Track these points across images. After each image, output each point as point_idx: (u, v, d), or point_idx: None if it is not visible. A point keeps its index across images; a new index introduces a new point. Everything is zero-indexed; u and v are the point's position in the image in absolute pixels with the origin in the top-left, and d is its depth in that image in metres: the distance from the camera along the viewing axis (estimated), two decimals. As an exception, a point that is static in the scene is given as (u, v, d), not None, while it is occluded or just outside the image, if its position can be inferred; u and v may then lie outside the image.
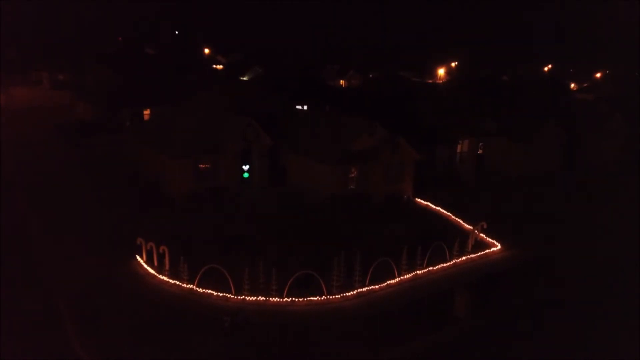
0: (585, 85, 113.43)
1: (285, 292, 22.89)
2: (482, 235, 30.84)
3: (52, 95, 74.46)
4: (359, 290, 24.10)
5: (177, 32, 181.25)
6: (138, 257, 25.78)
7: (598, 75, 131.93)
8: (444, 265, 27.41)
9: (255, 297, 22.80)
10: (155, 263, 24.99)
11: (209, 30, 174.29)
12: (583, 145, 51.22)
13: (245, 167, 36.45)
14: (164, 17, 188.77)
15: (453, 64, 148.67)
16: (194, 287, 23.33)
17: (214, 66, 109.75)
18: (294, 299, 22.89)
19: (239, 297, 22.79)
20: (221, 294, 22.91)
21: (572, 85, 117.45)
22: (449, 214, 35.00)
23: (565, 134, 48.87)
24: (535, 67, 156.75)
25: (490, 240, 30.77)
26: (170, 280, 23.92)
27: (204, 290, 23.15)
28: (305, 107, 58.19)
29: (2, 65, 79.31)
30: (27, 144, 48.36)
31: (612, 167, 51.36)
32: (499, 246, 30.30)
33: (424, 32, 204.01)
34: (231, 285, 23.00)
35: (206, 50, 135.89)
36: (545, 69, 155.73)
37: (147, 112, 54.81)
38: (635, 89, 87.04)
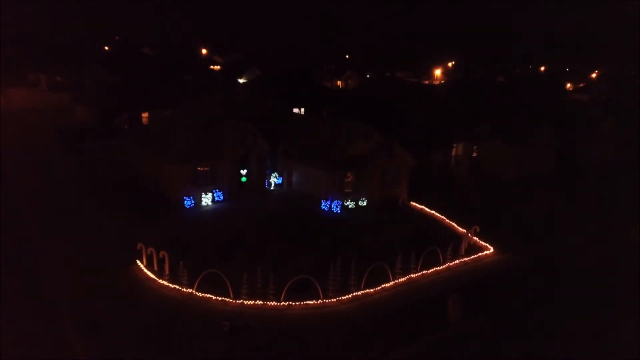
0: (582, 85, 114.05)
1: (282, 296, 23.49)
2: (475, 238, 31.46)
3: (50, 97, 74.54)
4: (354, 293, 24.71)
5: (174, 32, 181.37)
6: (138, 262, 26.32)
7: (594, 75, 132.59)
8: (438, 268, 28.02)
9: (253, 301, 23.38)
10: (155, 267, 25.54)
11: (206, 30, 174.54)
12: (577, 148, 51.84)
13: (244, 172, 36.99)
14: (161, 17, 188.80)
15: (450, 64, 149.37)
16: (194, 291, 23.91)
17: (211, 67, 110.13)
18: (291, 302, 23.49)
19: (237, 301, 23.38)
20: (220, 298, 23.50)
21: (568, 85, 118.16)
22: (443, 217, 35.62)
23: (560, 136, 49.49)
24: (532, 67, 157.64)
25: (484, 243, 31.40)
26: (170, 285, 24.48)
27: (203, 294, 23.72)
28: (302, 110, 58.80)
29: (0, 66, 79.43)
30: (26, 147, 48.71)
31: (605, 169, 51.98)
32: (492, 249, 30.94)
33: (421, 32, 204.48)
34: (230, 289, 23.58)
35: (203, 51, 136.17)
36: (542, 68, 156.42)
37: (145, 115, 55.26)
38: (631, 89, 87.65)
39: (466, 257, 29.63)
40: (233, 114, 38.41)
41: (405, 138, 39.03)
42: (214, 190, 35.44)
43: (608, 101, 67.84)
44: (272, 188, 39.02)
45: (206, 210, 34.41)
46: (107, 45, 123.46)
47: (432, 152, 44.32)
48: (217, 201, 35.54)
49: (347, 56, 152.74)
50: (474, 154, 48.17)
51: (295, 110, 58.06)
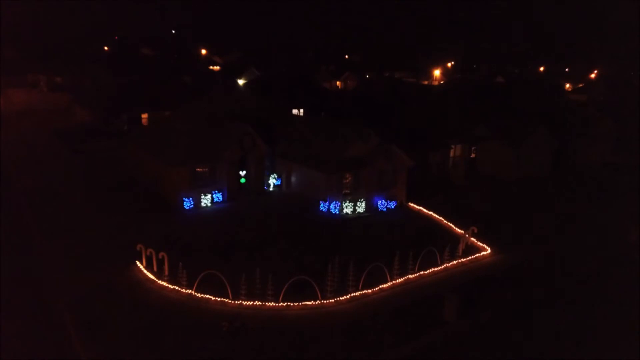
0: (580, 85, 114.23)
1: (280, 297, 23.68)
2: (472, 239, 31.67)
3: (50, 98, 74.82)
4: (352, 294, 24.90)
5: (173, 32, 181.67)
6: (138, 263, 26.50)
7: (593, 75, 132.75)
8: (435, 269, 28.22)
9: (252, 302, 23.57)
10: (155, 268, 25.73)
11: (206, 30, 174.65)
12: (575, 148, 52.01)
13: (242, 173, 37.18)
14: (161, 17, 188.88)
15: (449, 64, 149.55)
16: (193, 292, 24.11)
17: (210, 67, 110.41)
18: (289, 303, 23.69)
19: (236, 302, 23.57)
20: (219, 299, 23.69)
21: (567, 85, 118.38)
22: (441, 218, 35.81)
23: (558, 137, 49.64)
24: (531, 66, 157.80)
25: (481, 244, 31.60)
26: (170, 286, 24.67)
27: (202, 295, 23.91)
28: (301, 111, 59.01)
29: (0, 67, 79.66)
30: (26, 147, 48.84)
31: (604, 169, 52.14)
32: (489, 250, 31.15)
33: (421, 32, 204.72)
34: (228, 290, 23.77)
35: (203, 51, 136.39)
36: (541, 68, 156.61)
37: (144, 116, 55.44)
38: (629, 90, 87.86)
39: (463, 257, 29.82)
40: (232, 115, 38.61)
41: (404, 139, 39.25)
42: (213, 192, 35.61)
43: (606, 101, 68.07)
44: (270, 189, 39.22)
45: (205, 211, 34.59)
46: (106, 46, 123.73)
47: (430, 153, 44.52)
48: (216, 202, 35.71)
49: (346, 56, 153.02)
50: (472, 155, 48.36)
51: (294, 111, 58.29)
